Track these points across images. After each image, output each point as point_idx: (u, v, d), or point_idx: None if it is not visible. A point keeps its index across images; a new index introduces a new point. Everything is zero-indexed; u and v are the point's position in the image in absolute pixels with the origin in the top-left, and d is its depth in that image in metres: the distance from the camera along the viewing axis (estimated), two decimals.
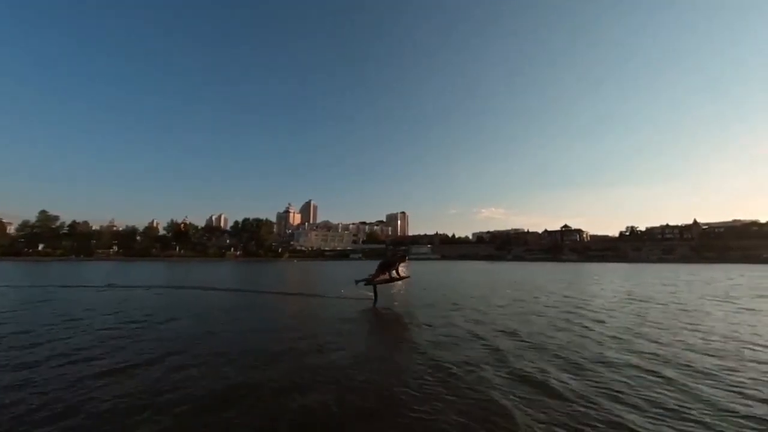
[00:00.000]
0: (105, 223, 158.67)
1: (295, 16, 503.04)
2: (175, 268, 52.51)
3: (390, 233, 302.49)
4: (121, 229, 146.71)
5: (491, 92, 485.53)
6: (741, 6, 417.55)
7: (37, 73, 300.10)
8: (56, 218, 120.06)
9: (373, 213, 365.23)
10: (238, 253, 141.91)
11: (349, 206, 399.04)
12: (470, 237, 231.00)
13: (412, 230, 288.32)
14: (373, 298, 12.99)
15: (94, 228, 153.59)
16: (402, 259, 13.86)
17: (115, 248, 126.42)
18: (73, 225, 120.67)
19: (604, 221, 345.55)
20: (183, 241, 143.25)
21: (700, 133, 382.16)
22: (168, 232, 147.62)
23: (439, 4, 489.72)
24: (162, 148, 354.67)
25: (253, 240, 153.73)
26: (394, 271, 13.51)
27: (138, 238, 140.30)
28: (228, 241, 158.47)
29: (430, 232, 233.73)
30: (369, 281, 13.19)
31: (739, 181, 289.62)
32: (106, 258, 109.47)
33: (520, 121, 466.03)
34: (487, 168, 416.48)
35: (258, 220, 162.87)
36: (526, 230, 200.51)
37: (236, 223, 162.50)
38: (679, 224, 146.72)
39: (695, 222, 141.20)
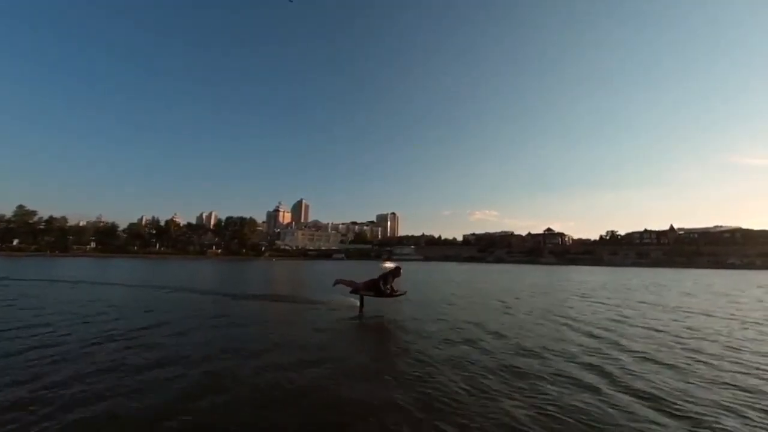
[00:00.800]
0: (92, 220, 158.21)
1: (292, 16, 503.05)
2: (141, 264, 52.71)
3: (380, 234, 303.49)
4: (105, 224, 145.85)
5: (488, 95, 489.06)
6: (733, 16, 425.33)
7: (34, 74, 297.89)
8: (33, 213, 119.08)
9: (369, 213, 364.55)
10: (219, 251, 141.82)
11: (345, 206, 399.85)
12: (459, 239, 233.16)
13: (406, 231, 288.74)
14: (359, 305, 11.49)
15: (81, 224, 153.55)
16: (396, 273, 11.58)
17: (93, 244, 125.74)
18: (50, 220, 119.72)
19: (595, 224, 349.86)
20: (164, 238, 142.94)
21: (692, 139, 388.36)
22: (150, 229, 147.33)
23: (437, 6, 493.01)
24: (161, 148, 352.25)
25: (236, 238, 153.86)
26: (387, 286, 11.33)
27: (124, 234, 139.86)
28: (216, 239, 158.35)
29: (426, 232, 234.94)
30: (356, 289, 11.45)
31: (729, 188, 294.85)
32: (81, 254, 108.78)
33: (516, 124, 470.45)
34: (482, 171, 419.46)
35: (242, 219, 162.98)
36: (511, 233, 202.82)
37: (219, 221, 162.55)
38: (657, 229, 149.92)
39: (671, 227, 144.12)
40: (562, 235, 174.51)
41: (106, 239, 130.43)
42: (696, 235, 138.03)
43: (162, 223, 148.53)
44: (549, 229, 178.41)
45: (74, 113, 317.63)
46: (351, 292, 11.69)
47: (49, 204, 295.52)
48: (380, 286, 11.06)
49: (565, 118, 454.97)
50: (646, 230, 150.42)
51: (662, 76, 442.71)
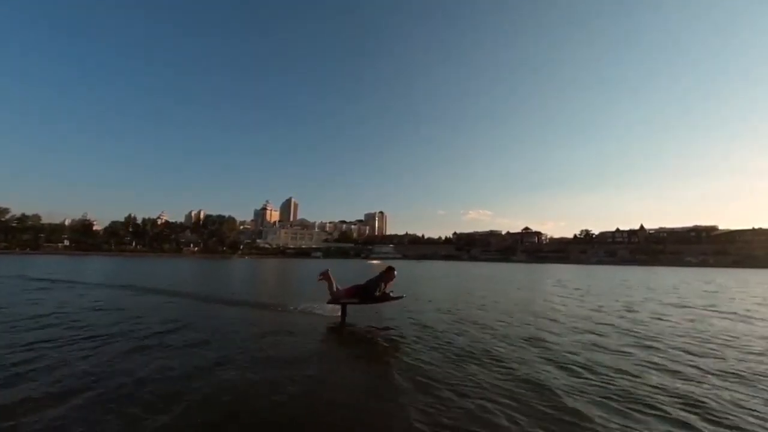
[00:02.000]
0: (78, 218, 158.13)
1: (283, 11, 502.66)
2: (100, 261, 53.73)
3: (367, 232, 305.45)
4: (81, 222, 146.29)
5: (485, 94, 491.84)
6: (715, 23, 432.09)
7: (30, 69, 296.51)
8: (6, 211, 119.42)
9: (361, 213, 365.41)
10: (196, 249, 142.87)
11: (341, 205, 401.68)
12: (443, 238, 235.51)
13: (396, 230, 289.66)
14: (340, 314, 9.20)
15: (67, 222, 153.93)
16: (389, 275, 8.94)
17: (66, 242, 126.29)
18: (22, 218, 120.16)
19: (589, 224, 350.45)
20: (140, 236, 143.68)
21: (689, 139, 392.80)
22: (130, 228, 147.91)
23: (433, 5, 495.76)
24: (159, 147, 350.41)
25: (215, 237, 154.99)
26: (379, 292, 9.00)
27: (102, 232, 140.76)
28: (198, 238, 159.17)
29: (420, 232, 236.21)
30: (336, 298, 9.20)
31: (725, 188, 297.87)
32: (53, 252, 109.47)
33: (508, 124, 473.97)
34: (476, 171, 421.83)
35: (221, 217, 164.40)
36: (490, 231, 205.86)
37: (198, 219, 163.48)
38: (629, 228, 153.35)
39: (641, 227, 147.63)
40: (539, 234, 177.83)
41: (82, 237, 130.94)
42: (665, 234, 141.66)
43: (142, 222, 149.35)
44: (526, 228, 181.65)
45: (68, 112, 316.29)
46: (329, 302, 9.39)
47: (46, 204, 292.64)
48: (369, 291, 8.85)
49: (557, 118, 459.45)
50: (617, 229, 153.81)
51: (660, 74, 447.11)
